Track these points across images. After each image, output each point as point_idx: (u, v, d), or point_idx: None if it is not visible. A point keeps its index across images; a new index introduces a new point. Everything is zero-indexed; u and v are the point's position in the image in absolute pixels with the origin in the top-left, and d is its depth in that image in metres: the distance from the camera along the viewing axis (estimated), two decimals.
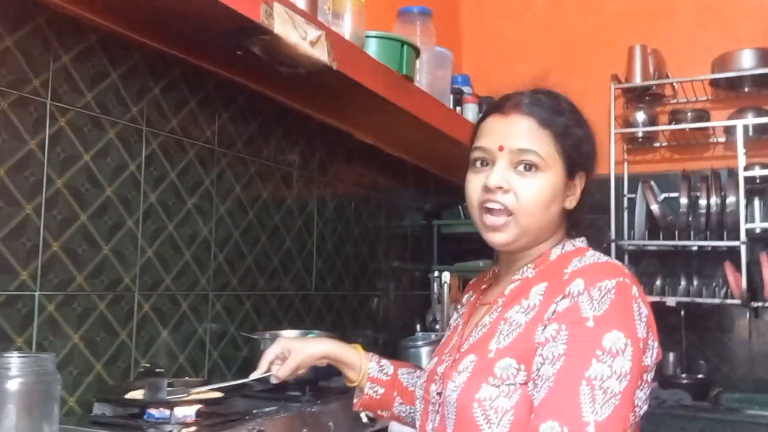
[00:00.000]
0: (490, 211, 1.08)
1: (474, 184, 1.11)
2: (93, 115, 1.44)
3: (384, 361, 1.36)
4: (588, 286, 0.98)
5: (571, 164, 1.10)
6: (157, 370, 1.32)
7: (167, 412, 1.26)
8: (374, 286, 2.55)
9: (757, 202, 2.76)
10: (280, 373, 1.35)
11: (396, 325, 2.67)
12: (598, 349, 0.94)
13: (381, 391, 1.33)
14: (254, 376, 1.37)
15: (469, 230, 3.00)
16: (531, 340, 1.00)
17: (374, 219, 2.57)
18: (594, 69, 3.06)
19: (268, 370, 1.34)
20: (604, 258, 1.06)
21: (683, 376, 2.69)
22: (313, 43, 1.63)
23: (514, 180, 1.07)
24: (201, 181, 1.72)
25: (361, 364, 1.32)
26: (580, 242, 1.14)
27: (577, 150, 1.10)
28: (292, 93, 1.99)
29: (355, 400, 1.36)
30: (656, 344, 1.03)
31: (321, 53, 1.66)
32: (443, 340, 1.26)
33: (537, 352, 0.99)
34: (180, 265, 1.65)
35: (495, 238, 1.09)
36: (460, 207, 3.03)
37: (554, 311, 0.99)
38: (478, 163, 1.11)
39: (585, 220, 1.18)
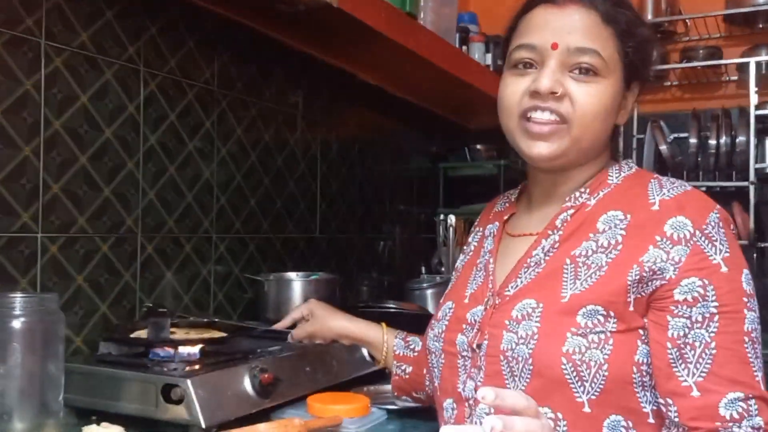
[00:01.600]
0: (535, 120, 0.91)
1: (515, 88, 0.94)
2: (89, 56, 1.41)
3: (412, 338, 1.26)
4: (698, 225, 0.85)
5: (631, 71, 0.94)
6: (160, 309, 1.33)
7: (171, 350, 1.28)
8: (379, 230, 2.55)
9: None
10: (295, 333, 1.36)
11: (401, 267, 2.68)
12: (744, 296, 0.84)
13: (409, 369, 1.23)
14: (277, 327, 1.40)
15: (475, 173, 3.01)
16: (621, 283, 0.85)
17: (379, 162, 2.55)
18: None
19: (290, 327, 1.36)
20: (685, 184, 0.92)
21: None
22: None
23: (569, 84, 0.90)
24: (201, 123, 1.71)
25: (385, 342, 1.25)
26: (633, 164, 1.00)
27: (639, 54, 0.94)
28: (294, 33, 1.95)
29: (390, 385, 1.28)
30: None
31: None
32: (454, 281, 1.12)
33: (634, 298, 0.85)
34: (182, 207, 1.64)
35: (539, 150, 0.92)
36: (466, 149, 3.00)
37: (672, 259, 0.84)
38: (521, 65, 0.94)
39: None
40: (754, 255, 2.67)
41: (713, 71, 2.84)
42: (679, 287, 0.83)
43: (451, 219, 2.74)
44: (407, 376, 1.24)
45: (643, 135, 2.89)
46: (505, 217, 1.07)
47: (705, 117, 2.71)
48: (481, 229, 1.14)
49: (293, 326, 1.40)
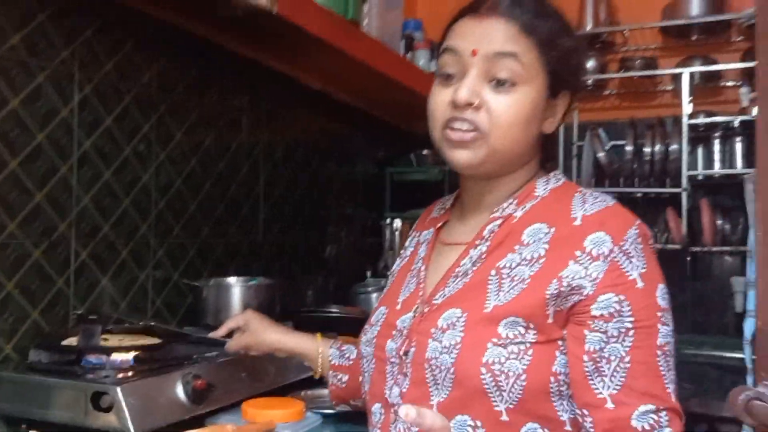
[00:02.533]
0: (455, 129, 0.93)
1: (439, 98, 0.95)
2: (20, 59, 1.39)
3: (347, 346, 1.26)
4: (617, 241, 0.86)
5: (555, 80, 0.94)
6: (91, 316, 1.32)
7: (104, 358, 1.27)
8: (324, 233, 2.56)
9: (700, 150, 2.83)
10: (230, 345, 1.36)
11: (347, 271, 2.69)
12: (658, 311, 0.86)
13: (345, 378, 1.23)
14: (213, 335, 1.40)
15: (421, 178, 3.05)
16: (540, 296, 0.87)
17: (324, 166, 2.56)
18: None
19: (225, 337, 1.36)
20: (608, 198, 0.93)
21: None
22: None
23: (487, 94, 0.92)
24: (139, 127, 1.69)
25: (320, 354, 1.26)
26: (562, 176, 1.01)
27: (563, 63, 0.95)
28: (235, 37, 1.95)
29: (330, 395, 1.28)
30: None
31: None
32: (389, 286, 1.12)
33: (550, 311, 0.87)
34: (119, 212, 1.63)
35: (459, 156, 0.94)
36: (412, 155, 3.03)
37: (590, 275, 0.85)
38: (445, 76, 0.95)
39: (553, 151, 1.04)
40: (687, 259, 2.77)
41: (650, 81, 2.94)
42: (596, 303, 0.85)
43: (398, 223, 2.77)
44: (344, 385, 1.24)
45: (583, 142, 2.97)
46: (439, 224, 1.09)
47: (642, 125, 2.80)
48: (417, 234, 1.15)
49: (230, 335, 1.40)
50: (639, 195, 2.86)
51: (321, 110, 2.53)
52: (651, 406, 0.82)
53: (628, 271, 0.85)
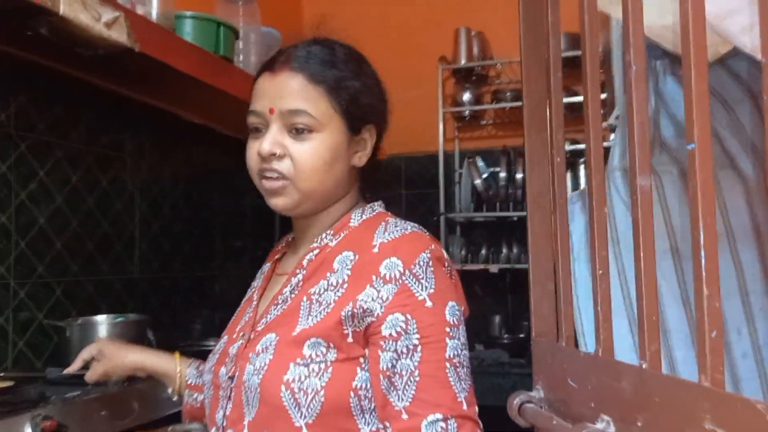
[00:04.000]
0: (267, 177, 1.01)
1: (251, 151, 1.03)
2: None
3: (204, 366, 1.27)
4: (408, 265, 0.93)
5: (352, 119, 1.02)
6: None
7: None
8: (209, 267, 2.56)
9: (569, 174, 3.01)
10: (88, 375, 1.33)
11: (236, 303, 2.68)
12: (446, 327, 0.93)
13: (200, 397, 1.24)
14: (68, 371, 1.36)
15: None
16: (337, 317, 0.93)
17: (208, 199, 2.56)
18: (425, 51, 3.19)
19: (81, 369, 1.33)
20: (408, 226, 1.01)
21: (505, 336, 2.91)
22: (108, 25, 1.61)
23: (289, 144, 0.99)
24: None
25: (178, 373, 1.26)
26: (378, 206, 1.09)
27: (355, 103, 1.02)
28: (102, 74, 1.95)
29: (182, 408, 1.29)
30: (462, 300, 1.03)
31: (119, 35, 1.64)
32: (234, 317, 1.17)
33: (345, 331, 0.93)
34: None
35: (276, 203, 1.02)
36: None
37: (381, 297, 0.92)
38: (254, 129, 1.03)
39: (381, 180, 1.12)
40: None
41: (520, 111, 3.11)
42: (386, 323, 0.92)
43: None
44: (197, 404, 1.25)
45: (463, 169, 3.11)
46: (277, 257, 1.16)
47: (515, 152, 2.96)
48: (263, 267, 1.22)
49: (86, 367, 1.38)
50: (515, 218, 3.01)
51: (204, 144, 2.54)
52: (439, 415, 0.88)
53: (416, 292, 0.92)
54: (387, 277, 0.93)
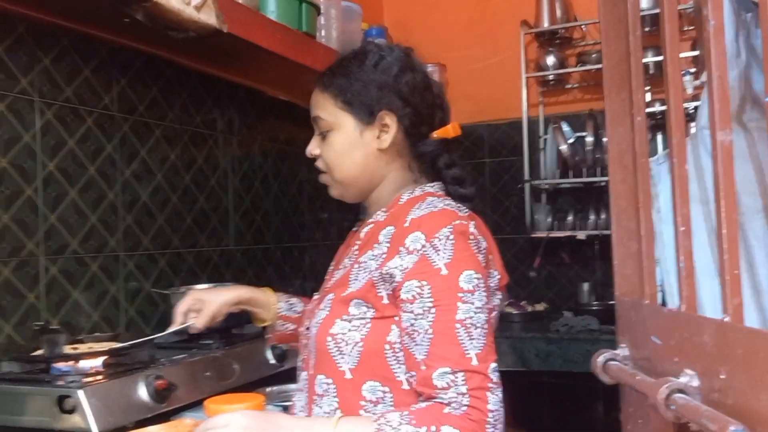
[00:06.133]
0: (319, 174, 1.23)
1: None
2: None
3: (294, 300, 1.46)
4: (429, 238, 1.05)
5: (360, 110, 1.17)
6: (52, 327, 1.41)
7: (72, 364, 1.36)
8: (298, 238, 2.65)
9: (659, 136, 2.91)
10: (198, 323, 1.41)
11: (325, 272, 2.77)
12: (459, 292, 1.03)
13: (291, 327, 1.43)
14: (171, 329, 1.43)
15: None
16: (372, 281, 1.09)
17: (295, 173, 2.65)
18: (506, 15, 3.15)
19: (184, 322, 1.41)
20: (441, 205, 1.11)
21: (594, 303, 2.87)
22: (198, 8, 1.69)
23: (321, 145, 1.20)
24: (102, 147, 1.79)
25: (272, 304, 1.42)
26: (429, 186, 1.19)
27: (358, 97, 1.17)
28: (193, 55, 2.04)
29: (269, 335, 1.49)
30: (497, 270, 1.15)
31: (208, 17, 1.72)
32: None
33: (380, 298, 1.08)
34: (86, 228, 1.72)
35: (331, 193, 1.24)
36: None
37: (402, 266, 1.05)
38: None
39: (441, 160, 1.21)
40: None
41: None
42: (403, 288, 1.05)
43: None
44: (288, 332, 1.43)
45: (547, 136, 3.06)
46: (354, 229, 1.31)
47: (601, 116, 2.88)
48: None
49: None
50: (602, 184, 2.94)
51: (288, 118, 2.62)
52: (447, 369, 1.00)
53: (434, 261, 1.05)
54: (410, 248, 1.06)
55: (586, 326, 2.60)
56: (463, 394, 0.98)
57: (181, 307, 1.42)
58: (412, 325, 1.04)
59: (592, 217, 2.93)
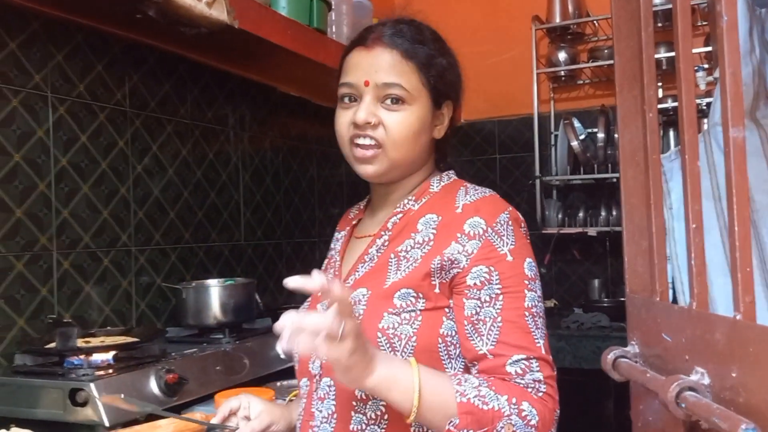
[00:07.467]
0: (359, 145, 1.07)
1: (343, 119, 1.10)
2: None
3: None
4: (490, 223, 1.02)
5: (437, 94, 1.10)
6: (65, 320, 1.42)
7: (84, 358, 1.37)
8: (309, 233, 2.66)
9: (672, 133, 2.90)
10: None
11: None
12: (525, 279, 1.01)
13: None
14: (212, 422, 1.16)
15: None
16: (427, 269, 1.01)
17: (305, 169, 2.65)
18: (517, 11, 3.14)
19: (228, 420, 1.15)
20: (486, 190, 1.09)
21: (605, 300, 2.86)
22: (209, 4, 1.69)
23: (382, 114, 1.06)
24: (115, 143, 1.80)
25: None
26: (453, 174, 1.16)
27: (441, 80, 1.10)
28: (204, 51, 2.05)
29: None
30: None
31: (219, 13, 1.72)
32: None
33: (437, 282, 1.00)
34: (98, 223, 1.73)
35: (366, 170, 1.09)
36: None
37: (466, 251, 1.00)
38: (346, 99, 1.10)
39: (451, 152, 1.19)
40: None
41: None
42: (470, 274, 1.01)
43: None
44: None
45: (558, 132, 3.05)
46: (354, 222, 1.24)
47: (612, 113, 2.87)
48: (337, 233, 1.29)
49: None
50: (614, 180, 2.93)
51: (300, 115, 2.62)
52: (522, 355, 0.97)
53: (499, 247, 1.02)
54: (471, 234, 1.02)
55: (597, 323, 2.59)
56: (540, 381, 0.97)
57: (224, 408, 1.16)
58: (477, 313, 0.99)
59: (603, 213, 2.92)
